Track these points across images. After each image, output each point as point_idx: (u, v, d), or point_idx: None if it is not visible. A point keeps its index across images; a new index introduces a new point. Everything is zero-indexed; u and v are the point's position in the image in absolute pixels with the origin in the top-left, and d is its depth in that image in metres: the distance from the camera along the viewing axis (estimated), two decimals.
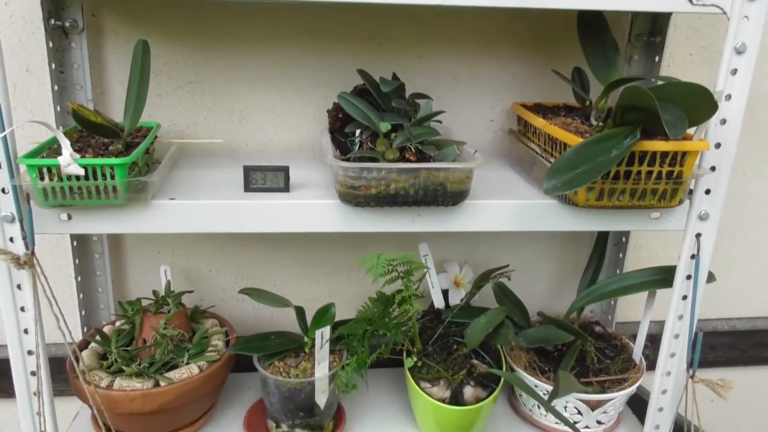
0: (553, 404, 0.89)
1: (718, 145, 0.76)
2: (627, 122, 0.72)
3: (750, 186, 1.14)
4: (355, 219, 0.75)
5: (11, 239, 0.72)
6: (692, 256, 0.82)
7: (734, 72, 0.73)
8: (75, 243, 0.97)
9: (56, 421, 0.81)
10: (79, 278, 0.99)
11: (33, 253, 0.72)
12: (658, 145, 0.70)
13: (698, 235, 0.81)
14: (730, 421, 1.32)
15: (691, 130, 0.73)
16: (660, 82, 0.71)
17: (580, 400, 0.92)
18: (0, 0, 0.88)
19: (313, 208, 0.75)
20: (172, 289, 0.98)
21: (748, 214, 1.16)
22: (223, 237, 1.06)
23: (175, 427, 0.91)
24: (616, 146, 0.68)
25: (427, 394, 0.87)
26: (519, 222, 0.78)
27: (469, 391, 0.86)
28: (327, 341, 0.84)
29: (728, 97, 0.74)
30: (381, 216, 0.75)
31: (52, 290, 0.73)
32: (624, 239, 1.07)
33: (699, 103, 0.64)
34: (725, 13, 0.71)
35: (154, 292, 0.96)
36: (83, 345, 0.94)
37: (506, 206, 0.77)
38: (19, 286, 0.74)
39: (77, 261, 0.98)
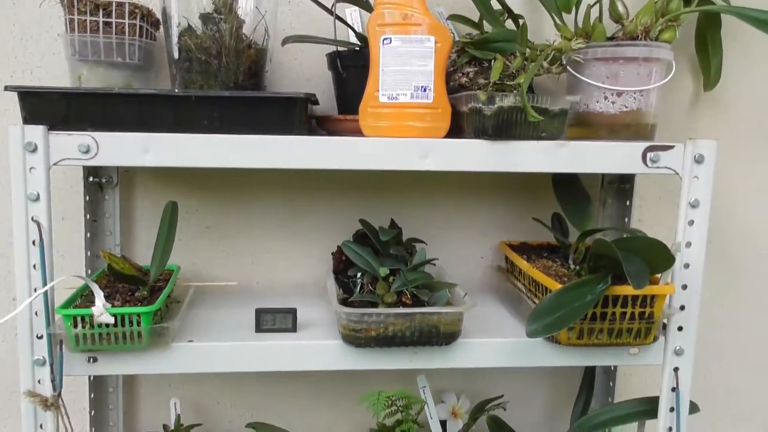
0: None
1: (684, 287, 0.84)
2: (600, 267, 0.81)
3: (732, 313, 1.21)
4: (356, 358, 0.82)
5: (39, 381, 0.78)
6: (673, 389, 0.87)
7: (691, 223, 0.83)
8: (92, 377, 1.03)
9: None
10: (93, 412, 1.04)
11: (60, 395, 0.78)
12: (627, 290, 0.78)
13: (676, 369, 0.87)
14: None
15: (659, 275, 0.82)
16: (626, 235, 0.81)
17: None
18: None
19: (319, 348, 0.82)
20: (181, 422, 1.03)
21: (733, 340, 1.22)
22: (233, 372, 1.11)
23: None
24: (591, 292, 0.76)
25: None
26: (508, 359, 0.85)
27: None
28: None
29: (688, 244, 0.83)
30: (380, 355, 0.82)
31: (72, 429, 0.79)
32: (613, 368, 1.13)
33: (658, 255, 0.73)
34: (678, 174, 0.82)
35: (164, 426, 1.01)
36: None
37: (496, 345, 0.84)
38: (41, 426, 0.79)
39: (92, 395, 1.03)
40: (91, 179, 0.97)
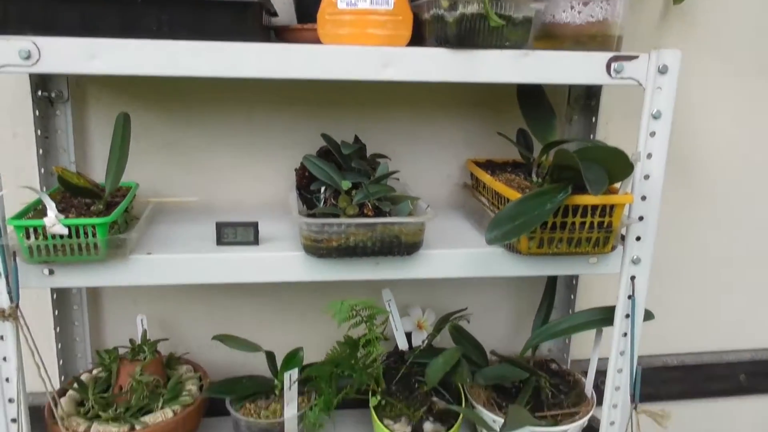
0: None
1: (644, 198, 0.85)
2: (562, 179, 0.81)
3: (690, 227, 1.24)
4: (319, 269, 0.82)
5: None
6: (629, 297, 0.90)
7: (653, 134, 0.83)
8: (55, 296, 1.02)
9: None
10: (58, 329, 1.04)
11: (17, 307, 0.77)
12: (587, 200, 0.79)
13: (633, 278, 0.89)
14: None
15: (618, 185, 0.82)
16: (589, 145, 0.81)
17: None
18: None
19: (280, 259, 0.82)
20: (148, 337, 1.03)
21: (690, 253, 1.26)
22: (198, 287, 1.12)
23: None
24: (551, 200, 0.77)
25: (390, 430, 0.92)
26: (469, 269, 0.86)
27: (428, 427, 0.92)
28: (295, 382, 0.90)
29: (649, 155, 0.83)
30: (343, 266, 0.83)
31: (34, 341, 0.79)
32: (574, 282, 1.15)
33: (617, 164, 0.74)
34: (641, 84, 0.81)
35: (131, 341, 1.01)
36: (61, 393, 0.97)
37: (457, 255, 0.85)
38: (1, 338, 0.79)
39: (57, 312, 1.03)
40: (39, 93, 0.93)
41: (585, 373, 1.08)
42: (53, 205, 0.73)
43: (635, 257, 0.88)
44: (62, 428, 0.85)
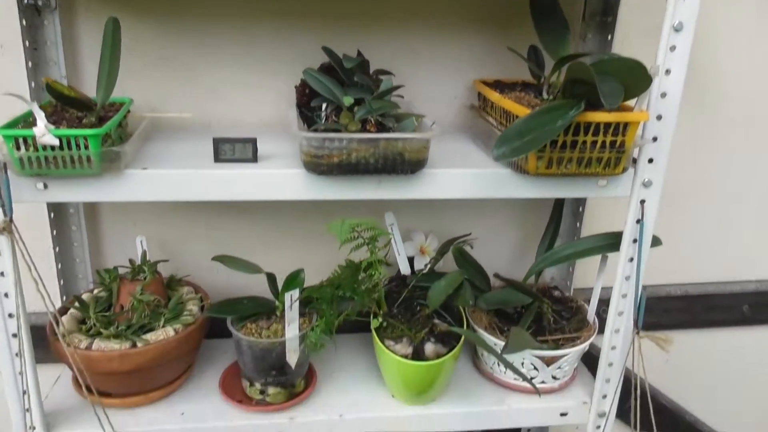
0: (511, 361, 0.95)
1: (659, 117, 0.81)
2: (574, 95, 0.77)
3: (704, 157, 1.20)
4: (319, 187, 0.80)
5: None
6: (637, 221, 0.88)
7: (673, 48, 0.78)
8: (52, 215, 1.01)
9: (38, 381, 0.86)
10: (57, 249, 1.03)
11: (11, 221, 0.75)
12: (600, 116, 0.75)
13: (642, 201, 0.87)
14: (684, 382, 1.40)
15: (633, 102, 0.78)
16: (605, 57, 0.76)
17: (536, 357, 0.99)
18: None
19: (280, 177, 0.79)
20: (148, 258, 1.02)
21: (702, 183, 1.23)
22: (197, 208, 1.10)
23: (153, 387, 0.95)
24: (562, 117, 0.73)
25: (391, 351, 0.92)
26: (475, 189, 0.83)
27: (429, 348, 0.92)
28: (296, 301, 0.89)
29: (668, 71, 0.79)
30: (344, 184, 0.80)
31: (30, 255, 0.77)
32: (581, 209, 1.13)
33: (635, 77, 0.70)
34: None
35: (131, 261, 1.00)
36: (63, 312, 0.97)
37: (463, 174, 0.82)
38: None
39: (55, 232, 1.02)
40: (26, 1, 0.88)
41: (587, 301, 1.08)
42: (42, 114, 0.70)
43: (646, 180, 0.85)
44: (64, 344, 0.85)
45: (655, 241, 0.92)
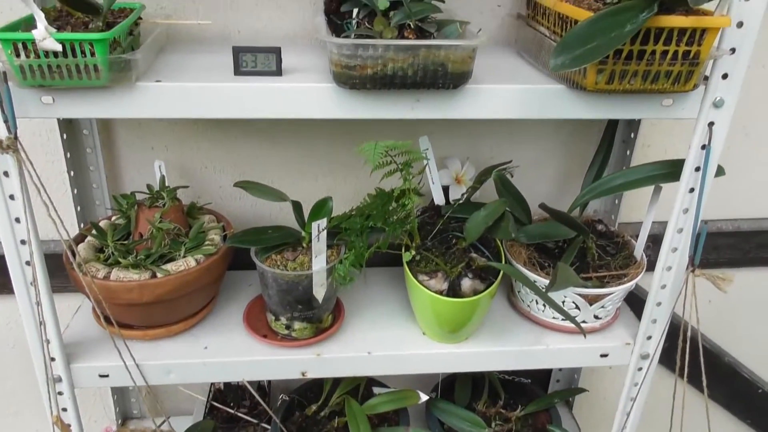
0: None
1: (740, 24, 0.71)
2: None
3: None
4: (350, 104, 0.72)
5: None
6: (703, 147, 0.79)
7: None
8: (65, 136, 0.94)
9: (56, 311, 0.82)
10: (72, 173, 0.97)
11: (16, 137, 0.69)
12: (676, 21, 0.65)
13: (711, 124, 0.77)
14: (725, 323, 1.33)
15: (711, 6, 0.68)
16: None
17: (579, 295, 0.92)
18: None
19: (306, 91, 0.71)
20: (167, 184, 0.96)
21: (765, 110, 1.12)
22: (218, 131, 1.03)
23: (175, 319, 0.91)
24: (631, 20, 0.64)
25: (425, 286, 0.86)
26: (524, 108, 0.75)
27: (466, 284, 0.86)
28: (324, 230, 0.82)
29: None
30: (378, 101, 0.72)
31: (40, 178, 0.71)
32: (632, 135, 1.03)
33: None
34: None
35: (149, 186, 0.94)
36: (79, 239, 0.93)
37: (511, 91, 0.74)
38: (6, 173, 0.72)
39: (68, 155, 0.96)
40: None
41: (634, 237, 1.00)
42: (42, 16, 0.62)
43: (718, 99, 0.75)
44: (80, 274, 0.80)
45: (719, 171, 0.83)
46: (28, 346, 0.83)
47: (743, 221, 1.22)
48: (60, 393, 0.87)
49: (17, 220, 0.75)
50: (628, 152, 1.05)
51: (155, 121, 1.01)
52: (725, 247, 1.22)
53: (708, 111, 0.76)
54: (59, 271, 0.90)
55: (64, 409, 0.88)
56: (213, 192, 1.08)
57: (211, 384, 1.20)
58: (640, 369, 0.97)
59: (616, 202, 1.10)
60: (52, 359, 0.84)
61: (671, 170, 0.87)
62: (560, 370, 1.31)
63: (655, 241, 1.04)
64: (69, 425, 0.80)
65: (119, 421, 1.21)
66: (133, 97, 0.69)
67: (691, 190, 0.81)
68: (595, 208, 1.13)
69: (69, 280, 0.93)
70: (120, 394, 1.21)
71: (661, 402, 1.05)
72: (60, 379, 0.86)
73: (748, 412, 1.43)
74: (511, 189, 0.95)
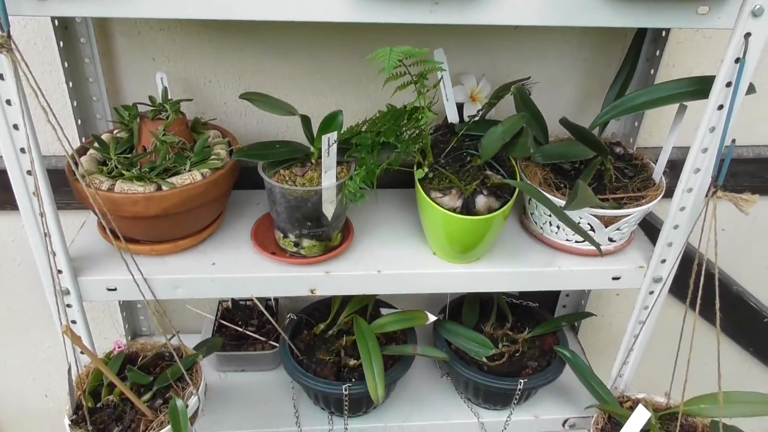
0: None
1: None
2: None
3: None
4: (364, 6, 0.67)
5: None
6: (737, 60, 0.74)
7: None
8: (61, 44, 0.90)
9: (60, 223, 0.80)
10: (71, 84, 0.93)
11: (9, 36, 0.65)
12: None
13: (747, 35, 0.72)
14: (738, 251, 1.32)
15: None
16: None
17: (594, 216, 0.90)
18: None
19: None
20: (169, 96, 0.93)
21: None
22: (222, 42, 0.98)
23: (182, 234, 0.89)
24: None
25: (438, 204, 0.84)
26: (551, 15, 0.69)
27: (481, 201, 0.84)
28: (334, 143, 0.79)
29: None
30: (393, 4, 0.67)
31: (36, 79, 0.68)
32: (658, 53, 0.98)
33: None
34: None
35: (151, 98, 0.91)
36: (81, 152, 0.90)
37: None
38: (1, 76, 0.68)
39: (66, 65, 0.92)
40: None
41: (653, 160, 0.97)
42: None
43: (757, 7, 0.70)
44: (83, 185, 0.78)
45: (750, 89, 0.79)
46: (35, 260, 0.82)
47: (764, 148, 1.18)
48: (69, 306, 0.86)
49: (15, 126, 0.72)
50: (652, 71, 1.00)
51: (156, 30, 0.96)
52: (744, 174, 1.19)
53: (746, 20, 0.71)
54: (62, 187, 0.88)
55: (74, 322, 0.88)
56: (217, 107, 1.04)
57: (219, 302, 1.21)
58: (651, 293, 0.96)
59: (636, 124, 1.06)
60: (59, 272, 0.83)
61: (699, 87, 0.83)
62: (567, 295, 1.30)
63: (673, 167, 1.01)
64: (79, 337, 0.80)
65: (128, 338, 1.23)
66: None
67: (720, 107, 0.78)
68: (613, 130, 1.09)
69: (72, 197, 0.91)
70: (129, 311, 1.21)
71: (667, 331, 1.05)
72: (68, 292, 0.85)
73: (752, 340, 1.44)
74: (531, 105, 0.92)
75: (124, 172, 0.83)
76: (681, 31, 1.03)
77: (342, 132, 0.89)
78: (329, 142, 0.80)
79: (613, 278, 0.96)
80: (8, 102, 0.70)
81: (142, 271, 0.85)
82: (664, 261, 0.92)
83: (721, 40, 0.73)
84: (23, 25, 0.94)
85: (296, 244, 0.89)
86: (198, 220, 0.90)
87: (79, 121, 0.97)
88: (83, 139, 0.97)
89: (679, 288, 1.12)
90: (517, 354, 1.10)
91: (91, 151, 0.89)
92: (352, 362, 1.04)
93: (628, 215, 0.90)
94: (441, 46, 0.91)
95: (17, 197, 0.77)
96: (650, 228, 1.04)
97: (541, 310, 1.20)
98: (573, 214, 0.90)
